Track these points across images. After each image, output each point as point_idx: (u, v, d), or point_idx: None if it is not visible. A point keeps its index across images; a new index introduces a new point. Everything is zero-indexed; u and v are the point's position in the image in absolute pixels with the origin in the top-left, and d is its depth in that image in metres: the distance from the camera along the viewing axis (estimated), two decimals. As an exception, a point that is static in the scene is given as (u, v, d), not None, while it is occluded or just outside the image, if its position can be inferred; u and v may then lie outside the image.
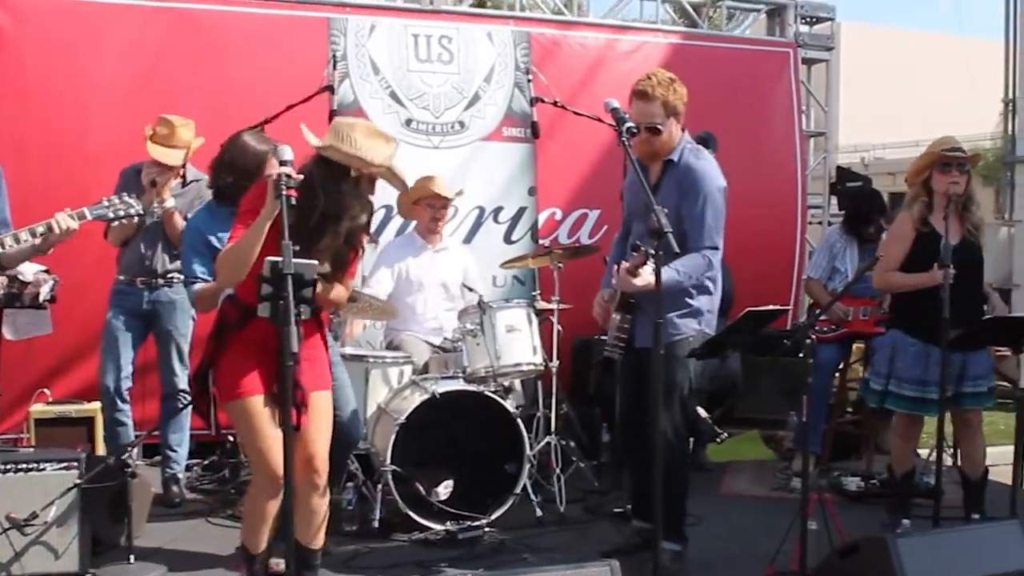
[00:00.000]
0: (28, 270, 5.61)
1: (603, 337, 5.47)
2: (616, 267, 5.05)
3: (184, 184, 6.09)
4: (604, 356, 5.62)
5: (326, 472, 4.35)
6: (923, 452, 6.76)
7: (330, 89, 6.15)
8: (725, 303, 7.18)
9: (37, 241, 4.33)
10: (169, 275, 6.13)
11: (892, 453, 6.03)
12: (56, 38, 7.05)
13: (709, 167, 5.12)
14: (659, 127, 4.98)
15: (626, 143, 4.64)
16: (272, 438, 4.10)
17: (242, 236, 4.04)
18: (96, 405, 6.36)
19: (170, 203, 5.85)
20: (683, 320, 5.13)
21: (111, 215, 4.59)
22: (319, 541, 4.47)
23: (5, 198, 4.52)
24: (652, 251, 4.38)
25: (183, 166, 6.01)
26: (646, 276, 4.65)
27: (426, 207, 6.78)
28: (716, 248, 5.08)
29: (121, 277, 6.16)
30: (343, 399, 5.34)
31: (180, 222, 5.80)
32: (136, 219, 5.67)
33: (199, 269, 4.70)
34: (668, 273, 4.63)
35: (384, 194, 7.31)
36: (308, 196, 4.00)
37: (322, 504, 4.40)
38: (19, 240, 4.27)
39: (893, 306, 6.02)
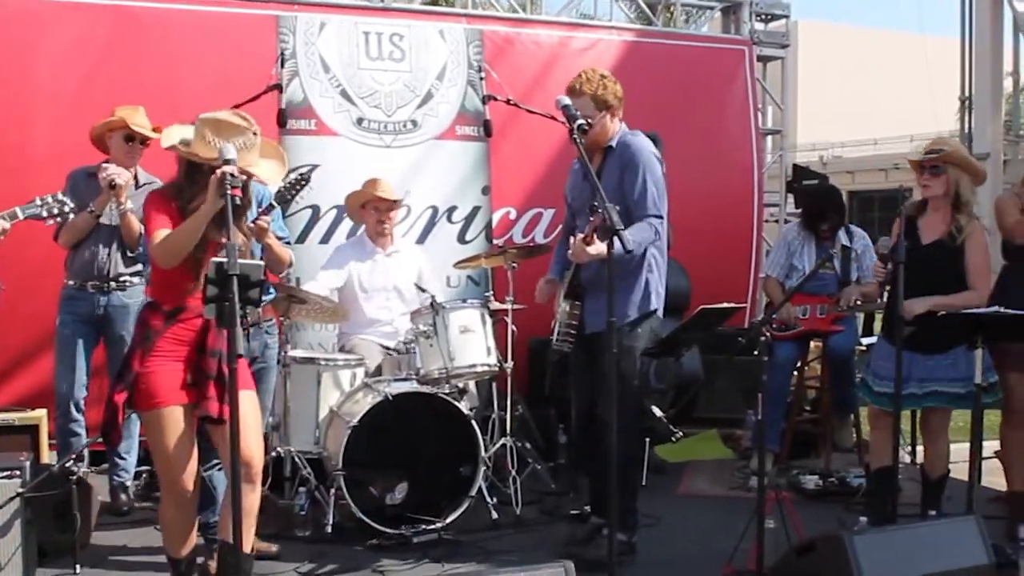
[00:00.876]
0: (-32, 275, 5.50)
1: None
2: (571, 239, 5.06)
3: (137, 187, 5.97)
4: (557, 358, 5.60)
5: (260, 470, 4.36)
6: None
7: (278, 88, 6.08)
8: (681, 301, 7.18)
9: None
10: (122, 278, 6.01)
11: (870, 449, 5.97)
12: (-1, 37, 6.91)
13: (643, 141, 5.27)
14: (589, 122, 5.03)
15: (577, 140, 4.69)
16: (180, 450, 4.20)
17: (182, 226, 4.12)
18: (40, 412, 6.21)
19: (128, 205, 5.73)
20: (631, 299, 5.20)
21: (44, 214, 4.50)
22: (247, 543, 4.34)
23: None
24: (607, 212, 4.39)
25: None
26: (599, 246, 4.74)
27: (371, 211, 6.70)
28: (660, 217, 5.21)
29: (71, 282, 6.02)
30: (262, 403, 5.34)
31: (137, 225, 5.68)
32: (90, 214, 5.59)
33: None
34: (616, 244, 4.62)
35: (335, 194, 7.32)
36: (190, 198, 4.18)
37: (254, 504, 4.39)
38: None
39: None
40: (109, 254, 5.98)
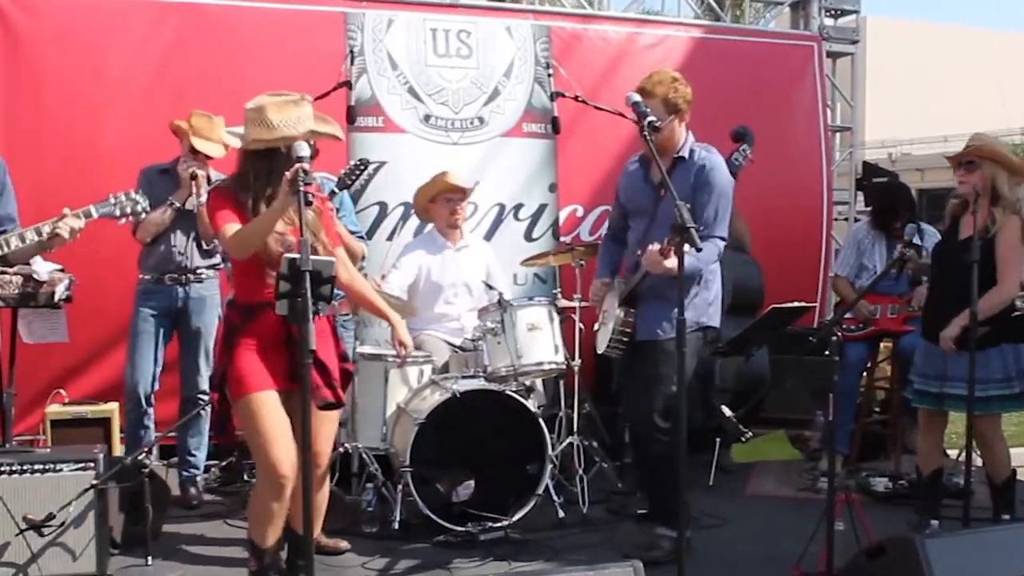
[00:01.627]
0: (43, 269, 5.55)
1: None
2: (641, 251, 5.05)
3: (210, 184, 6.02)
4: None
5: (326, 466, 4.44)
6: (952, 452, 6.65)
7: (348, 85, 6.09)
8: (754, 300, 7.11)
9: (43, 239, 4.26)
10: (199, 271, 6.07)
11: (918, 452, 5.93)
12: (71, 35, 7.01)
13: (720, 161, 5.22)
14: (658, 124, 4.93)
15: (648, 137, 4.65)
16: (275, 435, 4.20)
17: (255, 221, 4.16)
18: (112, 406, 6.32)
19: (204, 198, 5.77)
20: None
21: (117, 212, 4.53)
22: (315, 532, 4.45)
23: (11, 195, 4.46)
24: (679, 210, 4.33)
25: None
26: (674, 260, 4.65)
27: (443, 202, 6.68)
28: (724, 239, 5.21)
29: (147, 276, 6.09)
30: None
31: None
32: (170, 207, 5.64)
33: None
34: (689, 260, 4.63)
35: (402, 191, 7.33)
36: (257, 191, 4.21)
37: (323, 497, 4.49)
38: (24, 239, 4.21)
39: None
40: (186, 246, 6.04)
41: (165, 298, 6.06)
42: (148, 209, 4.76)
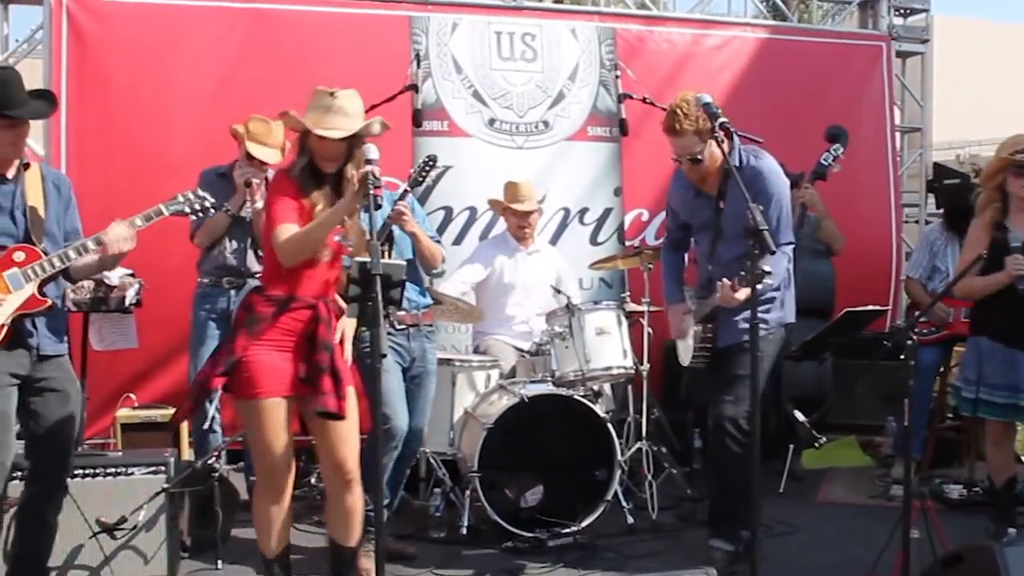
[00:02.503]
0: (114, 274, 5.61)
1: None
2: (711, 265, 5.06)
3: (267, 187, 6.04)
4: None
5: (356, 472, 4.28)
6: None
7: (414, 88, 6.05)
8: (826, 303, 6.99)
9: (95, 251, 4.27)
10: (256, 274, 6.08)
11: (988, 461, 5.81)
12: (139, 42, 7.09)
13: (773, 165, 5.12)
14: (699, 157, 4.96)
15: (719, 140, 4.65)
16: (279, 442, 4.11)
17: (311, 226, 4.06)
18: (181, 409, 6.33)
19: (260, 204, 5.79)
20: (765, 314, 5.04)
21: (187, 210, 4.52)
22: (354, 540, 4.38)
23: (75, 210, 4.50)
24: (752, 213, 4.32)
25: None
26: (746, 292, 4.70)
27: (511, 216, 6.70)
28: (791, 243, 5.16)
29: (205, 280, 6.13)
30: (418, 408, 5.42)
31: None
32: (226, 213, 5.66)
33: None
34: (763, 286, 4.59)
35: (467, 195, 7.32)
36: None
37: (356, 504, 4.32)
38: (80, 251, 4.23)
39: (974, 312, 5.79)
40: (243, 251, 6.07)
41: (222, 301, 6.09)
42: (216, 206, 4.75)
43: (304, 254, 4.09)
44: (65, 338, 4.46)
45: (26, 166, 4.31)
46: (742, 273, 4.65)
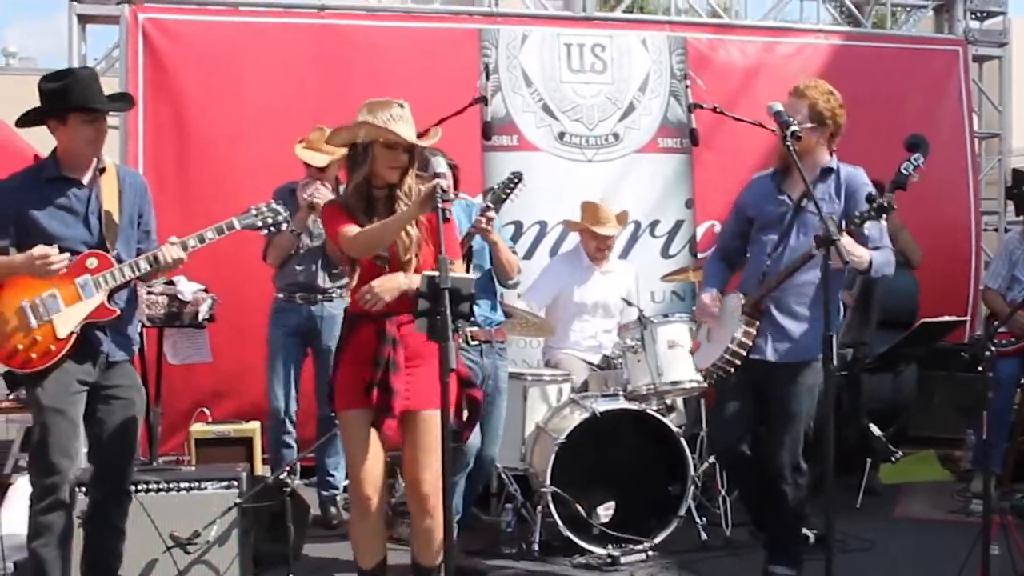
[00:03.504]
0: (187, 289, 5.66)
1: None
2: (770, 262, 4.85)
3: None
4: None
5: (436, 495, 4.19)
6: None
7: (483, 100, 6.03)
8: (909, 315, 6.84)
9: (151, 266, 4.31)
10: (330, 290, 6.11)
11: None
12: (212, 59, 7.19)
13: (862, 174, 4.98)
14: (799, 132, 4.74)
15: (791, 147, 4.53)
16: (359, 454, 4.18)
17: (379, 225, 4.14)
18: (254, 425, 6.38)
19: None
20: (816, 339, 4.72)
21: (259, 223, 4.55)
22: (435, 559, 4.34)
23: (151, 209, 4.55)
24: (825, 222, 4.24)
25: (336, 180, 5.98)
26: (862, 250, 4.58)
27: (591, 237, 6.64)
28: (889, 246, 4.97)
29: (280, 295, 6.17)
30: (490, 430, 5.42)
31: None
32: (291, 232, 5.69)
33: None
34: (881, 254, 4.65)
35: (537, 209, 7.28)
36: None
37: (433, 527, 4.26)
38: (136, 268, 4.28)
39: None
40: (315, 270, 6.10)
41: (296, 317, 6.13)
42: (289, 219, 4.76)
43: (372, 250, 4.17)
44: (134, 343, 4.53)
45: (102, 170, 4.37)
46: (858, 213, 4.53)
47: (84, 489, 4.51)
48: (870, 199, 4.49)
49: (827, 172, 4.92)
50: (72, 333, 4.19)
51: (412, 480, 4.23)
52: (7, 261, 4.20)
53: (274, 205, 4.60)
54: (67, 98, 4.20)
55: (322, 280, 6.13)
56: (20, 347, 4.17)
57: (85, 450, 4.46)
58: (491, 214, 5.10)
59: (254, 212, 4.55)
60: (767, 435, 4.93)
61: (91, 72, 4.44)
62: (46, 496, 4.20)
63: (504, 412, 5.57)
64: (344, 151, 4.37)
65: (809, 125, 4.82)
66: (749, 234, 5.08)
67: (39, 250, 4.13)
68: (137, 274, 4.31)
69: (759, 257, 4.97)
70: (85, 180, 4.32)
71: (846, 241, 4.41)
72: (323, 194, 5.85)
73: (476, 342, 5.35)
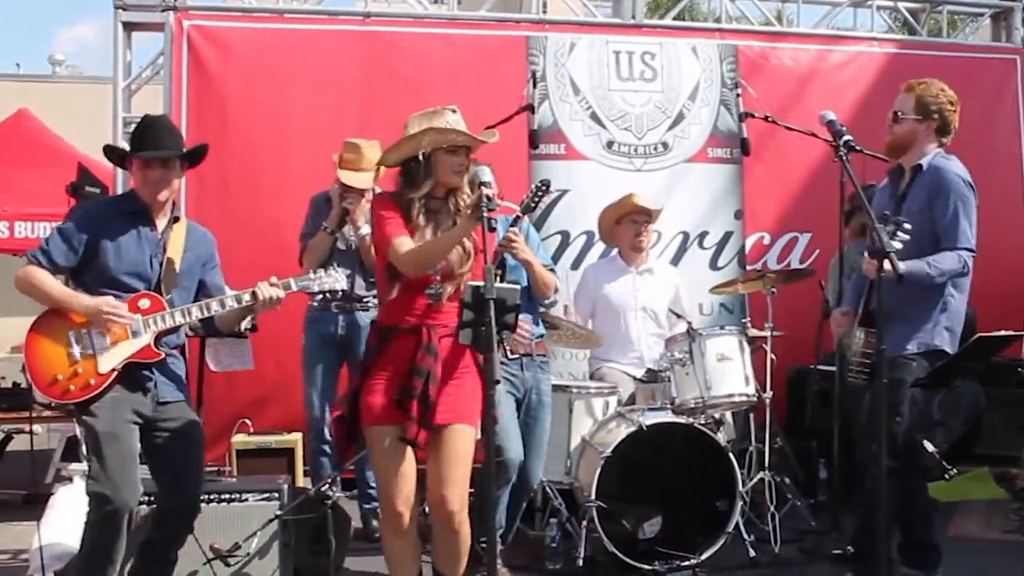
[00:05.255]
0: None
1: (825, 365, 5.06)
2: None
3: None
4: (819, 388, 5.24)
5: (463, 511, 4.17)
6: None
7: (530, 108, 5.97)
8: (967, 332, 6.68)
9: (243, 304, 4.33)
10: (365, 299, 6.05)
11: None
12: (257, 66, 7.22)
13: (956, 165, 4.88)
14: (900, 115, 4.82)
15: (844, 158, 4.52)
16: (390, 471, 4.12)
17: (435, 241, 4.10)
18: (295, 436, 6.36)
19: (365, 230, 5.77)
20: (916, 332, 4.83)
21: (315, 288, 4.55)
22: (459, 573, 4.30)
23: (218, 267, 4.59)
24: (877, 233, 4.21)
25: (372, 189, 5.94)
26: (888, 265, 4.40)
27: (629, 223, 6.53)
28: (972, 251, 4.85)
29: (314, 303, 6.13)
30: (534, 446, 5.36)
31: None
32: (325, 232, 5.71)
33: None
34: (918, 264, 4.53)
35: (585, 219, 7.21)
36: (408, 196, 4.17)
37: (459, 545, 4.23)
38: (224, 305, 4.31)
39: None
40: (351, 277, 6.01)
41: (331, 326, 6.10)
42: (345, 287, 4.76)
43: (425, 268, 4.09)
44: (184, 386, 4.53)
45: (175, 220, 4.45)
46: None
47: (148, 501, 4.48)
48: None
49: (919, 170, 4.85)
50: (114, 370, 4.19)
51: (439, 497, 4.13)
52: (71, 297, 4.23)
53: (333, 272, 4.58)
54: (131, 142, 4.41)
55: (358, 288, 6.08)
56: (60, 377, 4.16)
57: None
58: (517, 228, 5.04)
59: (312, 276, 4.56)
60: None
61: (161, 120, 4.60)
62: (104, 523, 4.09)
63: (548, 426, 5.51)
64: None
65: (913, 117, 4.82)
66: None
67: (110, 303, 4.17)
68: (191, 318, 4.34)
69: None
70: (159, 225, 4.39)
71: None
72: (356, 201, 5.83)
73: (515, 355, 5.29)
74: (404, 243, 4.09)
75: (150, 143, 4.34)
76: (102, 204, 4.50)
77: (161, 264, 4.34)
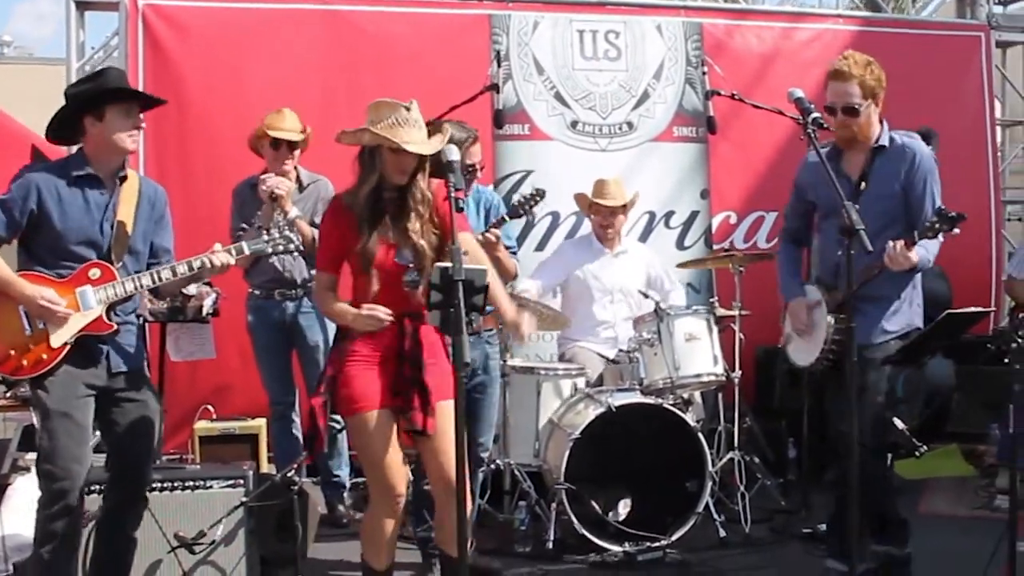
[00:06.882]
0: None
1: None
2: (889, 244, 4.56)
3: (301, 190, 5.93)
4: (788, 368, 5.22)
5: (464, 482, 4.12)
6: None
7: (495, 88, 5.92)
8: (940, 310, 6.69)
9: (193, 272, 4.24)
10: (309, 284, 5.93)
11: None
12: (214, 47, 7.08)
13: (923, 146, 4.81)
14: (856, 107, 4.65)
15: (812, 135, 4.43)
16: (388, 454, 4.13)
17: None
18: (259, 422, 6.30)
19: (293, 212, 5.64)
20: (897, 314, 4.80)
21: (268, 250, 4.49)
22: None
23: (170, 228, 4.45)
24: (848, 212, 4.17)
25: (301, 144, 5.92)
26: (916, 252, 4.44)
27: (595, 212, 6.55)
28: None
29: (256, 291, 6.02)
30: (484, 418, 5.30)
31: (309, 230, 5.56)
32: (258, 230, 5.56)
33: None
34: (924, 255, 4.48)
35: (550, 200, 7.12)
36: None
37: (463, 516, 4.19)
38: (175, 273, 4.23)
39: None
40: (291, 262, 5.91)
41: (277, 313, 5.98)
42: (301, 247, 4.70)
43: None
44: (141, 353, 4.45)
45: (123, 178, 4.28)
46: (927, 223, 4.37)
47: (98, 489, 4.44)
48: (940, 213, 4.34)
49: (879, 150, 4.76)
50: (66, 344, 4.10)
51: (441, 470, 4.13)
52: (12, 282, 4.09)
53: (287, 232, 4.53)
54: (105, 88, 4.17)
55: (300, 272, 5.94)
56: (12, 352, 4.08)
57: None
58: (496, 231, 5.02)
59: (266, 238, 4.49)
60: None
61: (122, 71, 4.47)
62: (54, 502, 4.09)
63: (496, 400, 5.44)
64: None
65: (864, 104, 4.67)
66: (812, 213, 5.01)
67: (48, 294, 4.06)
68: (142, 289, 4.24)
69: (831, 248, 4.78)
70: (107, 185, 4.23)
71: (901, 255, 4.39)
72: (285, 186, 5.70)
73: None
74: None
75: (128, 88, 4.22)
76: (44, 168, 4.25)
77: (113, 227, 4.21)
